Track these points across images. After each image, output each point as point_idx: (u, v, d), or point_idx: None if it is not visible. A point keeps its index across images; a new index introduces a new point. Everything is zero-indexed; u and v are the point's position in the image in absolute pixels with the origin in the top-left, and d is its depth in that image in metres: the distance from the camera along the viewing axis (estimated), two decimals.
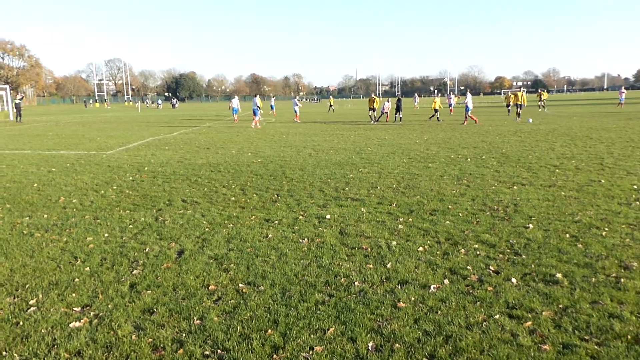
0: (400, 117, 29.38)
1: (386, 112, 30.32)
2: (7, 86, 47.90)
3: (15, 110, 36.57)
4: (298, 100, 36.10)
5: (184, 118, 40.15)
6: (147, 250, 5.67)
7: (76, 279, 4.78)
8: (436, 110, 29.02)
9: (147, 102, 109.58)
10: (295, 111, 33.77)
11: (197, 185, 9.52)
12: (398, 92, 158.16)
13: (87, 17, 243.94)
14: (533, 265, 5.01)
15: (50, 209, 7.70)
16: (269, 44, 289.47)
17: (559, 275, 4.75)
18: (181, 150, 15.53)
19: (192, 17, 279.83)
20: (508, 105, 32.74)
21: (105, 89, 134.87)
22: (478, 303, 4.19)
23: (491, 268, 4.96)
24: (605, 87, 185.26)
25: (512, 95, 31.60)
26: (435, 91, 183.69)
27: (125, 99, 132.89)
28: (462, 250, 5.50)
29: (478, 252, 5.43)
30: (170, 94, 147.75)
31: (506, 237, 5.93)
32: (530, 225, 6.37)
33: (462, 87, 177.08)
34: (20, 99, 37.74)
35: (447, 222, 6.66)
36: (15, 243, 5.93)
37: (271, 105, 45.90)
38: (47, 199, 8.38)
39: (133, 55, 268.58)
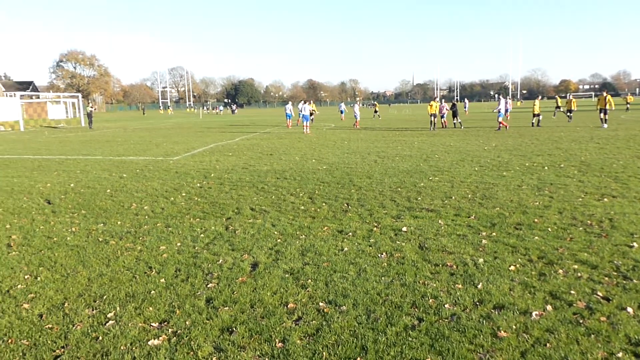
0: (460, 122, 28.27)
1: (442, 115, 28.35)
2: (79, 94, 50.47)
3: (87, 117, 38.34)
4: (359, 105, 35.84)
5: (243, 124, 40.77)
6: (220, 261, 5.50)
7: (152, 291, 4.65)
8: (536, 115, 27.31)
9: (207, 109, 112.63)
10: (355, 116, 33.42)
11: (264, 193, 9.37)
12: (456, 96, 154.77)
13: (152, 28, 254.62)
14: None
15: (123, 215, 7.75)
16: (326, 50, 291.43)
17: None
18: (245, 156, 15.56)
19: (252, 25, 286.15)
20: (557, 107, 30.48)
21: (169, 96, 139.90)
22: (593, 336, 3.68)
23: (599, 294, 4.42)
24: None
25: (569, 100, 30.00)
26: (496, 95, 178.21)
27: (187, 105, 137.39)
28: (560, 271, 4.98)
29: (579, 274, 4.89)
30: (229, 100, 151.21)
31: (609, 257, 5.33)
32: (635, 244, 5.72)
33: (525, 91, 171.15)
34: (92, 108, 39.59)
35: (536, 237, 6.12)
36: (92, 251, 5.92)
37: (341, 110, 45.79)
38: (120, 205, 8.47)
39: (195, 63, 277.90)
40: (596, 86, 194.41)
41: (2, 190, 10.01)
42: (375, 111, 47.47)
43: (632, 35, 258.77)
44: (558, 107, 32.73)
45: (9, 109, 37.15)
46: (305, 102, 30.28)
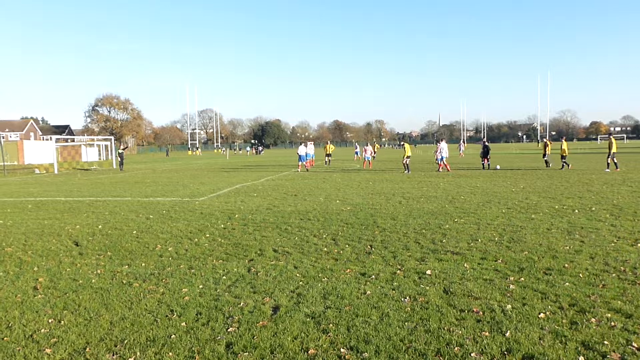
0: (489, 165, 27.90)
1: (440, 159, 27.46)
2: (112, 137, 52.10)
3: (118, 159, 39.39)
4: (368, 145, 35.96)
5: (269, 164, 41.25)
6: (241, 304, 5.46)
7: (172, 336, 4.63)
8: (563, 157, 26.61)
9: (234, 149, 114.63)
10: (365, 158, 33.51)
11: (287, 234, 9.37)
12: (483, 137, 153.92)
13: (183, 71, 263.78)
14: None
15: (147, 257, 7.82)
16: (352, 90, 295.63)
17: None
18: (269, 197, 15.65)
19: (280, 67, 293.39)
20: (544, 155, 28.47)
21: (197, 138, 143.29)
22: None
23: (634, 345, 4.21)
24: None
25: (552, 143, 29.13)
26: (524, 136, 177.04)
27: (215, 146, 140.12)
28: (593, 320, 4.77)
29: (613, 323, 4.68)
30: (256, 141, 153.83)
31: None
32: None
33: (554, 133, 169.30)
34: (123, 149, 40.69)
35: (567, 283, 5.91)
36: (115, 293, 5.96)
37: (356, 152, 46.24)
38: (145, 247, 8.56)
39: (224, 104, 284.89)
40: (628, 128, 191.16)
41: (32, 233, 10.25)
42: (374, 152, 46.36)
43: None
44: (545, 154, 28.98)
45: (45, 152, 38.57)
46: (302, 144, 31.85)
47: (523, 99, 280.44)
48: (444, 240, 8.49)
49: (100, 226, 10.77)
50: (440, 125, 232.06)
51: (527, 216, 10.83)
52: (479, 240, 8.47)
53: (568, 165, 26.32)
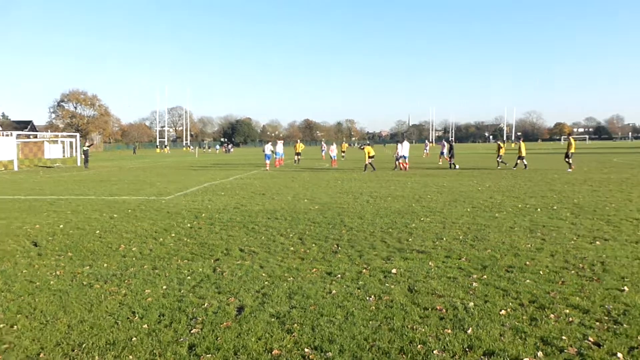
0: (452, 164, 28.31)
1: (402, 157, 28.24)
2: (77, 134, 50.79)
3: (83, 156, 38.43)
4: (334, 144, 36.37)
5: (238, 163, 40.91)
6: (205, 305, 5.39)
7: (134, 338, 4.52)
8: (520, 157, 27.37)
9: (204, 148, 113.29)
10: (332, 157, 33.81)
11: (254, 234, 9.30)
12: (451, 137, 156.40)
13: (153, 68, 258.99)
14: (639, 338, 4.34)
15: (110, 257, 7.64)
16: (323, 90, 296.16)
17: None
18: (237, 196, 15.52)
19: (251, 65, 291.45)
20: (499, 157, 28.96)
21: (166, 135, 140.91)
22: None
23: (590, 339, 4.33)
24: None
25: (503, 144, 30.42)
26: (491, 136, 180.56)
27: (184, 144, 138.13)
28: (552, 316, 4.89)
29: (570, 319, 4.80)
30: (225, 139, 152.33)
31: (600, 302, 5.26)
32: (626, 288, 5.66)
33: (519, 133, 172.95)
34: (88, 146, 39.70)
35: (528, 280, 6.04)
36: (75, 295, 5.79)
37: (322, 151, 46.39)
38: (108, 247, 8.36)
39: (193, 102, 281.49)
40: (590, 129, 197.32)
41: None
42: (342, 152, 47.22)
43: (625, 81, 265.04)
44: (499, 155, 29.04)
45: (4, 148, 37.24)
46: (267, 142, 32.29)
47: (491, 100, 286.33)
48: (410, 239, 8.57)
49: (61, 226, 10.48)
50: (410, 125, 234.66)
51: (491, 215, 11.04)
52: (444, 238, 8.59)
53: (525, 166, 26.98)
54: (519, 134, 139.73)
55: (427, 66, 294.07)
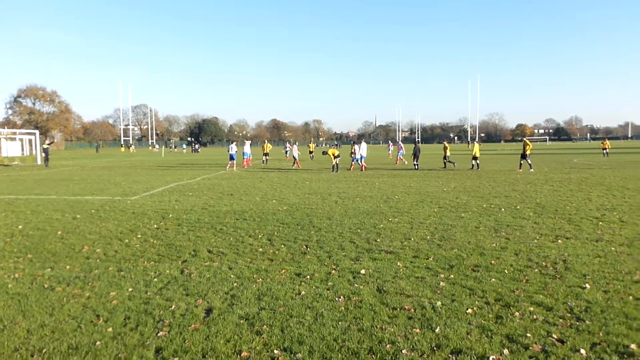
0: (417, 165, 28.68)
1: (356, 160, 29.17)
2: (37, 131, 49.19)
3: (43, 154, 37.24)
4: (296, 144, 36.42)
5: (206, 162, 40.40)
6: (173, 307, 5.29)
7: (98, 342, 4.40)
8: (474, 158, 27.93)
9: (170, 147, 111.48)
10: (294, 157, 33.64)
11: (222, 235, 9.20)
12: (417, 138, 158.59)
13: (117, 64, 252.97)
14: (601, 334, 4.48)
15: (73, 259, 7.42)
16: (290, 90, 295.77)
17: (633, 346, 4.21)
18: (205, 196, 15.33)
19: (216, 63, 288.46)
20: (445, 157, 29.86)
21: (131, 134, 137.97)
22: None
23: (554, 336, 4.45)
24: (629, 135, 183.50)
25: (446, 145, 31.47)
26: (456, 137, 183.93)
27: (150, 143, 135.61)
28: (517, 314, 5.00)
29: (535, 316, 4.92)
30: (192, 139, 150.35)
31: (563, 299, 5.41)
32: (587, 286, 5.84)
33: (483, 134, 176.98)
34: (48, 144, 38.50)
35: (493, 279, 6.17)
36: (35, 299, 5.59)
37: (286, 151, 46.19)
38: (71, 249, 8.12)
39: (159, 100, 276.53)
40: (550, 130, 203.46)
41: None
42: (311, 152, 47.20)
43: (583, 83, 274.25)
44: (446, 156, 29.83)
45: None
46: (232, 142, 31.71)
47: (455, 101, 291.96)
48: (378, 240, 8.62)
49: (20, 226, 10.12)
50: (377, 125, 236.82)
51: (457, 215, 11.23)
52: (412, 239, 8.68)
53: (478, 167, 27.60)
54: (472, 136, 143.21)
55: (394, 67, 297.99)
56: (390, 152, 51.24)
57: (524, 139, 27.07)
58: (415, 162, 28.62)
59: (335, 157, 26.69)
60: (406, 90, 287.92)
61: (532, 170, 25.14)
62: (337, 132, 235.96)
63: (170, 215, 11.50)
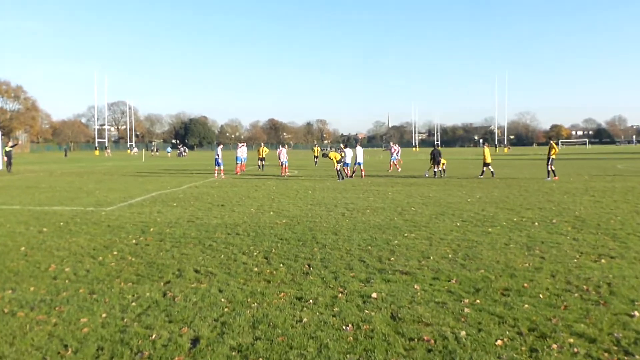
0: (441, 171, 28.52)
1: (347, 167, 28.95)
2: None
3: (5, 158, 37.40)
4: (284, 147, 36.31)
5: (193, 168, 40.53)
6: (153, 337, 5.26)
7: None
8: (487, 164, 28.14)
9: (152, 150, 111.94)
10: (282, 163, 33.30)
11: (212, 252, 9.19)
12: (437, 141, 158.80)
13: (90, 57, 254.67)
14: None
15: (38, 279, 7.41)
16: (290, 86, 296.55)
17: None
18: (192, 207, 15.34)
19: (206, 56, 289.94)
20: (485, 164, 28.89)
21: (107, 135, 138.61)
22: None
23: None
24: None
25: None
26: (481, 140, 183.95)
27: (128, 146, 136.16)
28: (554, 346, 4.95)
29: (575, 349, 4.87)
30: (177, 141, 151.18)
31: (608, 329, 5.35)
32: (636, 313, 5.78)
33: (512, 137, 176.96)
34: (12, 147, 38.70)
35: (526, 305, 6.12)
36: None
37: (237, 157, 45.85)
38: (36, 267, 8.11)
39: (139, 97, 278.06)
40: (590, 132, 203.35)
41: None
42: (316, 156, 47.09)
43: (627, 79, 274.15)
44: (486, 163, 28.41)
45: None
46: (219, 145, 31.98)
47: (480, 99, 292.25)
48: (392, 258, 8.59)
49: None
50: (390, 126, 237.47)
51: (484, 230, 11.18)
52: (431, 257, 8.64)
53: (493, 174, 27.55)
54: (482, 138, 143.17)
55: (409, 61, 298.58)
56: (397, 156, 51.09)
57: (551, 141, 26.99)
58: (437, 169, 28.39)
59: (338, 162, 26.73)
60: (423, 86, 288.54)
61: (548, 179, 24.94)
62: (344, 133, 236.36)
63: (152, 229, 11.50)
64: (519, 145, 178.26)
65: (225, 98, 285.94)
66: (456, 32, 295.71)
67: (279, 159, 33.86)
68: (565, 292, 6.64)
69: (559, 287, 6.86)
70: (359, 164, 29.16)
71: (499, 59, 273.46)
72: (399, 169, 34.67)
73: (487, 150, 28.33)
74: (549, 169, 25.43)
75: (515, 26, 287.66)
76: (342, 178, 26.46)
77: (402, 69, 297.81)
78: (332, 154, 27.43)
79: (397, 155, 36.30)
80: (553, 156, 25.39)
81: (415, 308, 6.08)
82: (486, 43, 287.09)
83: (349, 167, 28.34)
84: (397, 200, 17.02)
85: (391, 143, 40.08)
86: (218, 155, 30.18)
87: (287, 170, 32.69)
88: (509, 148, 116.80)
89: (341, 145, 32.90)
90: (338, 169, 26.66)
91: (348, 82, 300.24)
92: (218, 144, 32.68)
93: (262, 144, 42.64)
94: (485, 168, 27.90)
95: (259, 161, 38.25)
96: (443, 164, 28.71)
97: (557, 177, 25.15)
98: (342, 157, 27.85)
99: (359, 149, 29.87)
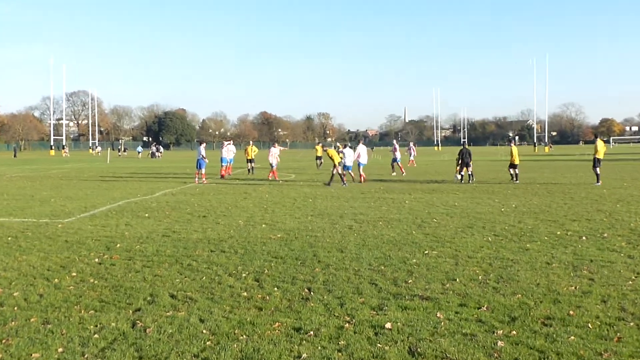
0: (471, 175, 28.40)
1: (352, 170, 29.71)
2: None
3: None
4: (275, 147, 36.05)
5: (169, 172, 40.65)
6: None
7: None
8: (513, 166, 28.06)
9: (119, 149, 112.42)
10: (270, 164, 33.27)
11: (191, 273, 9.22)
12: (464, 138, 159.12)
13: (46, 39, 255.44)
14: None
15: None
16: (286, 74, 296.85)
17: None
18: (167, 219, 15.39)
19: (184, 38, 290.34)
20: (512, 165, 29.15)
21: (64, 132, 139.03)
22: None
23: None
24: None
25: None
26: (516, 137, 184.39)
27: (91, 144, 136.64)
28: None
29: None
30: (150, 139, 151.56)
31: None
32: None
33: (554, 133, 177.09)
34: None
35: (572, 337, 6.13)
36: None
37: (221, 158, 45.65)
38: None
39: (104, 87, 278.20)
40: None
41: None
42: (318, 157, 46.57)
43: None
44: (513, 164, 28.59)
45: None
46: (201, 143, 31.90)
47: (515, 89, 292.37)
48: (409, 280, 8.60)
49: None
50: (407, 121, 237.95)
51: (521, 246, 11.19)
52: (457, 279, 8.64)
53: (516, 177, 27.62)
54: (517, 135, 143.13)
55: (428, 42, 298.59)
56: (412, 157, 51.06)
57: (597, 139, 27.02)
58: (466, 172, 28.19)
59: (338, 163, 26.81)
60: (446, 72, 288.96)
61: (598, 184, 24.96)
62: (352, 129, 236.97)
63: (119, 246, 11.54)
64: (562, 143, 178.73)
65: (208, 87, 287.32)
66: (486, 6, 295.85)
67: (269, 160, 33.62)
68: (619, 320, 6.64)
69: (611, 314, 6.86)
70: (361, 165, 29.40)
71: (538, 38, 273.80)
72: (403, 172, 35.01)
73: (515, 149, 28.34)
74: (597, 171, 25.45)
75: (555, 4, 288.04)
76: (345, 183, 26.48)
77: (421, 51, 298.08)
78: (330, 151, 27.38)
79: (412, 153, 36.74)
80: (599, 156, 25.39)
81: (438, 341, 6.08)
82: (522, 19, 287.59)
83: (350, 171, 28.67)
84: (416, 210, 17.05)
85: (395, 142, 40.39)
86: (201, 155, 29.86)
87: (276, 174, 32.24)
88: (550, 147, 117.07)
89: (338, 144, 32.97)
90: (341, 172, 26.69)
91: (355, 68, 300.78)
92: (200, 142, 32.51)
93: (251, 143, 42.49)
94: (512, 171, 27.75)
95: (248, 163, 38.28)
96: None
97: (599, 183, 25.12)
98: (342, 158, 27.93)
99: (362, 148, 30.14)
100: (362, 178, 29.02)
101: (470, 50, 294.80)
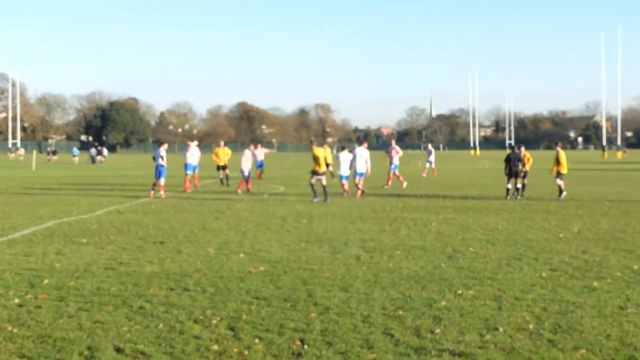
0: (518, 189, 28.29)
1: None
2: None
3: None
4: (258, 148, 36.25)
5: (114, 182, 40.67)
6: None
7: None
8: (560, 175, 28.20)
9: (49, 152, 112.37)
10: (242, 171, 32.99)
11: (144, 319, 9.20)
12: (510, 139, 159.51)
13: None
14: None
15: None
16: (272, 54, 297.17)
17: None
18: (112, 246, 15.39)
19: (135, 8, 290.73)
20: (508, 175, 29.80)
21: None
22: None
23: None
24: None
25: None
26: (579, 139, 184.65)
27: (10, 145, 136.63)
28: None
29: None
30: (91, 138, 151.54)
31: None
32: None
33: (629, 133, 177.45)
34: None
35: None
36: None
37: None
38: None
39: (29, 69, 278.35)
40: None
41: None
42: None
43: None
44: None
45: None
46: (161, 144, 32.00)
47: (576, 76, 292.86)
48: (437, 330, 8.58)
49: None
50: (433, 116, 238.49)
51: (585, 284, 11.20)
52: (501, 328, 8.63)
53: (562, 192, 27.85)
54: (580, 135, 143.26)
55: (462, 17, 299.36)
56: (432, 162, 50.80)
57: None
58: (513, 184, 28.10)
59: (327, 165, 26.93)
60: (486, 54, 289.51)
61: None
62: (360, 127, 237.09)
63: (46, 281, 11.53)
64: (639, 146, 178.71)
65: (167, 71, 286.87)
66: None
67: (241, 166, 32.96)
68: None
69: None
70: (360, 175, 29.61)
71: (608, 6, 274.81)
72: (404, 183, 35.80)
73: (563, 154, 28.31)
74: None
75: None
76: (317, 198, 26.39)
77: (453, 25, 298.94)
78: (317, 151, 26.93)
79: (431, 160, 37.21)
80: None
81: None
82: None
83: (347, 181, 28.94)
84: (446, 235, 17.06)
85: (393, 142, 40.99)
86: (161, 158, 29.54)
87: (249, 185, 31.84)
88: (624, 151, 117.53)
89: (335, 151, 33.08)
90: (314, 182, 26.64)
91: (365, 45, 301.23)
92: (160, 143, 32.35)
93: (222, 144, 41.91)
94: (559, 182, 27.57)
95: (220, 171, 38.06)
96: (524, 172, 28.40)
97: None
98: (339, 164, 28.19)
99: (362, 152, 30.33)
100: (358, 192, 29.17)
101: (517, 24, 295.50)
